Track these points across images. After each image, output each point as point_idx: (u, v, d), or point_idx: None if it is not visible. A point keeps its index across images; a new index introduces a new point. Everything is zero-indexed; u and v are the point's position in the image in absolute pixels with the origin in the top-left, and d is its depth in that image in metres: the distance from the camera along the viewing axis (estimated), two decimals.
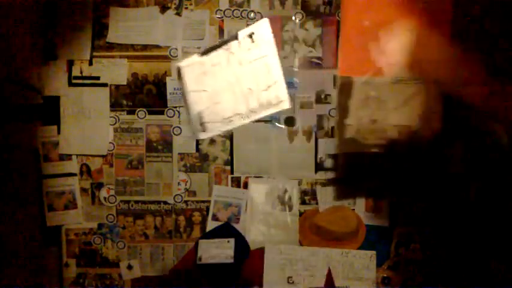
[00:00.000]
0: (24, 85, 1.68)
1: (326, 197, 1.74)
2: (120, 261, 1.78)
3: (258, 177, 1.76)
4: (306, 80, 1.73)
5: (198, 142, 1.75)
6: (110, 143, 1.76)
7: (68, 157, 1.76)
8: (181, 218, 1.78)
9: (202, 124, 1.60)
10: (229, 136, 1.74)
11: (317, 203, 1.75)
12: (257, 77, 1.61)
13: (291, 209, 1.75)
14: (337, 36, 1.72)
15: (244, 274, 1.68)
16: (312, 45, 1.72)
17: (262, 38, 1.60)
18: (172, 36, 1.72)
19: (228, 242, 1.70)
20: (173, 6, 1.72)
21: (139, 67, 1.74)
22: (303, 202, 1.76)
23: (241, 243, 1.71)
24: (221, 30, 1.72)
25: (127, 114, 1.76)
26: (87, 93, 1.74)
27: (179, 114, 1.74)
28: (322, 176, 1.75)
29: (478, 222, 1.66)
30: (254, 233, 1.75)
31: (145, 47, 1.73)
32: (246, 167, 1.76)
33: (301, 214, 1.75)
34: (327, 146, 1.74)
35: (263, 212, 1.75)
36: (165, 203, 1.78)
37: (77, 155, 1.76)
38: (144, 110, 1.75)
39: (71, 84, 1.74)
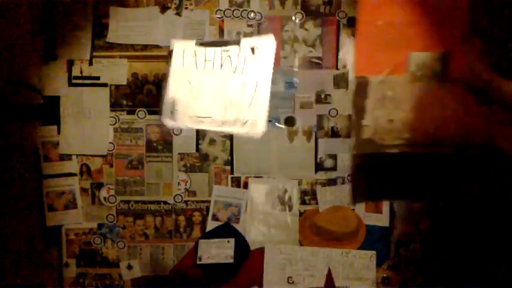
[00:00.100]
0: (24, 85, 1.68)
1: (326, 197, 1.74)
2: (120, 261, 1.79)
3: (258, 177, 1.76)
4: (306, 80, 1.73)
5: (198, 142, 1.75)
6: (110, 143, 1.76)
7: (68, 157, 1.76)
8: (181, 218, 1.78)
9: (172, 112, 1.60)
10: (229, 136, 1.74)
11: (317, 203, 1.75)
12: (244, 92, 1.62)
13: (291, 209, 1.75)
14: (337, 36, 1.72)
15: (244, 274, 1.68)
16: (312, 45, 1.72)
17: (263, 55, 1.60)
18: (172, 36, 1.72)
19: (228, 242, 1.70)
20: (173, 6, 1.72)
21: (139, 67, 1.74)
22: (303, 202, 1.76)
23: (241, 243, 1.71)
24: (221, 30, 1.72)
25: (127, 114, 1.76)
26: (87, 93, 1.74)
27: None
28: (322, 176, 1.75)
29: (478, 222, 1.66)
30: (254, 233, 1.75)
31: (145, 47, 1.73)
32: (246, 167, 1.76)
33: (301, 214, 1.75)
34: (327, 146, 1.74)
35: (263, 212, 1.75)
36: (165, 203, 1.78)
37: (77, 155, 1.77)
38: (144, 110, 1.75)
39: (71, 84, 1.75)
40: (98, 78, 1.74)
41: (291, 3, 1.72)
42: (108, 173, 1.77)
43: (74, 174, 1.77)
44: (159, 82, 1.73)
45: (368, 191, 1.73)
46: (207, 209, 1.77)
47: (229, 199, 1.76)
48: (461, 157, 1.60)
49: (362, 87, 1.60)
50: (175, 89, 1.62)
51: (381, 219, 1.73)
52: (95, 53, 1.74)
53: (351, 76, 1.72)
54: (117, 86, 1.75)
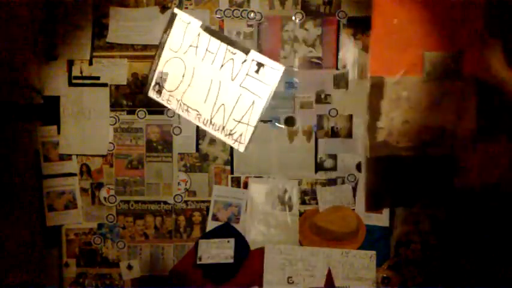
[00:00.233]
0: (24, 85, 1.68)
1: (326, 197, 1.74)
2: (120, 261, 1.79)
3: (258, 177, 1.76)
4: (306, 80, 1.73)
5: (198, 142, 1.75)
6: (110, 143, 1.76)
7: (68, 157, 1.76)
8: (181, 218, 1.78)
9: (159, 85, 1.57)
10: None
11: (317, 203, 1.75)
12: (238, 104, 1.61)
13: (291, 209, 1.75)
14: (337, 36, 1.72)
15: (244, 274, 1.68)
16: (312, 45, 1.72)
17: (268, 77, 1.59)
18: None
19: (228, 242, 1.70)
20: (173, 6, 1.72)
21: (139, 67, 1.74)
22: (303, 202, 1.76)
23: (241, 243, 1.71)
24: (221, 30, 1.72)
25: (127, 114, 1.76)
26: (87, 93, 1.74)
27: (179, 114, 1.74)
28: (322, 176, 1.75)
29: (478, 222, 1.66)
30: (254, 233, 1.75)
31: (145, 47, 1.73)
32: (246, 167, 1.76)
33: (301, 214, 1.75)
34: (327, 146, 1.74)
35: (263, 212, 1.75)
36: (165, 203, 1.78)
37: (77, 155, 1.77)
38: (144, 110, 1.75)
39: (71, 84, 1.75)
40: (98, 78, 1.74)
41: (291, 3, 1.72)
42: (108, 173, 1.77)
43: (74, 174, 1.77)
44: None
45: (383, 197, 1.71)
46: (207, 209, 1.77)
47: (229, 199, 1.76)
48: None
49: (377, 87, 1.58)
50: (167, 63, 1.58)
51: (381, 219, 1.73)
52: (95, 53, 1.74)
53: (351, 76, 1.72)
54: (117, 86, 1.75)
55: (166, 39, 1.58)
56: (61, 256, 1.79)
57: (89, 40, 1.73)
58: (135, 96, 1.75)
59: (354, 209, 1.74)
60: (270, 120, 1.72)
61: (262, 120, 1.68)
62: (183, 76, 1.58)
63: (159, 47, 1.64)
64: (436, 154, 1.59)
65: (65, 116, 1.75)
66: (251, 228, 1.75)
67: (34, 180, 1.74)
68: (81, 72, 1.74)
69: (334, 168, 1.75)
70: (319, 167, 1.75)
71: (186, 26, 1.60)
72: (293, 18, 1.72)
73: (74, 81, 1.74)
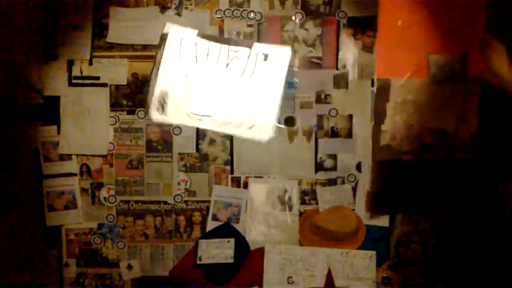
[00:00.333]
0: (24, 85, 1.68)
1: (326, 197, 1.74)
2: (120, 261, 1.78)
3: (258, 177, 1.76)
4: (306, 80, 1.72)
5: (198, 142, 1.75)
6: (110, 143, 1.76)
7: (68, 157, 1.76)
8: (181, 218, 1.78)
9: (163, 105, 1.56)
10: (230, 136, 1.74)
11: (317, 203, 1.75)
12: (253, 96, 1.59)
13: (291, 209, 1.75)
14: (337, 36, 1.72)
15: (244, 274, 1.68)
16: (312, 45, 1.72)
17: (277, 63, 1.57)
18: None
19: (228, 242, 1.70)
20: (173, 6, 1.72)
21: (139, 67, 1.74)
22: (303, 202, 1.76)
23: (241, 243, 1.71)
24: (221, 30, 1.72)
25: (127, 114, 1.76)
26: (87, 93, 1.74)
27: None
28: (322, 176, 1.75)
29: (478, 222, 1.66)
30: (254, 233, 1.75)
31: (145, 47, 1.73)
32: (246, 167, 1.76)
33: (301, 214, 1.75)
34: (327, 146, 1.74)
35: (263, 212, 1.75)
36: (165, 203, 1.78)
37: (77, 155, 1.77)
38: (144, 110, 1.75)
39: (71, 84, 1.75)
40: (98, 78, 1.74)
41: (291, 3, 1.72)
42: (108, 173, 1.77)
43: (74, 174, 1.77)
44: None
45: (386, 202, 1.71)
46: (207, 209, 1.77)
47: (229, 199, 1.76)
48: (484, 161, 1.57)
49: (383, 90, 1.56)
50: (166, 80, 1.56)
51: (381, 219, 1.73)
52: (95, 53, 1.74)
53: (351, 76, 1.72)
54: (117, 86, 1.75)
55: (160, 60, 1.58)
56: (61, 256, 1.79)
57: (89, 40, 1.73)
58: (135, 96, 1.75)
59: (354, 209, 1.74)
60: None
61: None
62: (187, 88, 1.57)
63: (153, 67, 1.63)
64: (439, 157, 1.58)
65: (65, 116, 1.75)
66: (251, 228, 1.75)
67: (34, 180, 1.74)
68: (81, 72, 1.74)
69: (334, 168, 1.75)
70: (319, 167, 1.75)
71: (181, 39, 1.59)
72: (293, 18, 1.72)
73: (74, 81, 1.74)
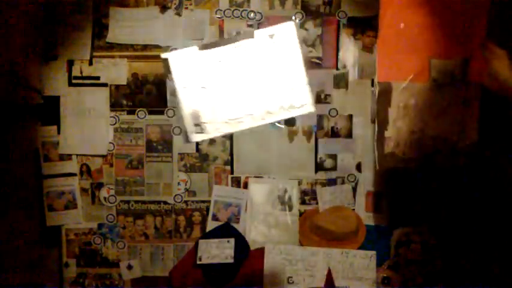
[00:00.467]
0: (24, 85, 1.68)
1: (326, 197, 1.74)
2: (120, 261, 1.78)
3: (258, 177, 1.76)
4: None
5: (198, 142, 1.75)
6: (110, 143, 1.76)
7: (68, 157, 1.76)
8: (181, 218, 1.78)
9: (198, 125, 1.57)
10: (229, 136, 1.74)
11: (317, 203, 1.75)
12: (277, 78, 1.58)
13: (291, 209, 1.75)
14: (337, 36, 1.72)
15: (244, 274, 1.68)
16: (312, 45, 1.72)
17: (285, 39, 1.56)
18: (173, 36, 1.72)
19: (228, 242, 1.70)
20: (173, 6, 1.72)
21: (139, 67, 1.74)
22: (303, 202, 1.76)
23: (241, 243, 1.71)
24: (221, 30, 1.72)
25: (127, 114, 1.76)
26: (87, 93, 1.74)
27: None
28: (322, 176, 1.75)
29: (478, 221, 1.66)
30: (254, 233, 1.75)
31: (145, 47, 1.73)
32: (246, 167, 1.76)
33: (301, 214, 1.75)
34: (327, 146, 1.74)
35: (263, 212, 1.75)
36: (165, 203, 1.78)
37: (77, 155, 1.77)
38: (144, 110, 1.75)
39: (71, 84, 1.75)
40: (98, 78, 1.74)
41: (291, 3, 1.72)
42: (108, 173, 1.77)
43: (74, 174, 1.77)
44: (159, 82, 1.73)
45: (392, 213, 1.73)
46: (207, 209, 1.77)
47: (229, 199, 1.76)
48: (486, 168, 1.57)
49: (385, 94, 1.55)
50: (190, 101, 1.58)
51: (381, 219, 1.73)
52: (95, 53, 1.74)
53: (351, 76, 1.72)
54: (117, 86, 1.75)
55: (173, 84, 1.59)
56: (61, 256, 1.79)
57: (89, 40, 1.73)
58: (135, 96, 1.75)
59: (354, 209, 1.74)
60: None
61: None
62: (212, 99, 1.58)
63: (170, 94, 1.67)
64: (442, 165, 1.58)
65: (65, 116, 1.75)
66: (251, 228, 1.75)
67: (34, 180, 1.74)
68: (81, 72, 1.74)
69: (334, 168, 1.75)
70: (319, 167, 1.75)
71: (185, 59, 1.60)
72: (293, 18, 1.71)
73: (74, 81, 1.74)
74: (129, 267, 1.79)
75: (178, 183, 1.77)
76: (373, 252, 1.68)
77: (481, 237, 1.65)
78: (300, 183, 1.75)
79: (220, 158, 1.76)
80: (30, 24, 1.69)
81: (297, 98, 1.59)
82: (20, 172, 1.66)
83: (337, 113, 1.73)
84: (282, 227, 1.74)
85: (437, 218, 1.70)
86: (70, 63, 1.74)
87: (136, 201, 1.78)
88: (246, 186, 1.76)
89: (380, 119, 1.56)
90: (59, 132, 1.75)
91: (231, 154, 1.75)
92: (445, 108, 1.55)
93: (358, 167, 1.74)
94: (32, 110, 1.72)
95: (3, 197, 1.54)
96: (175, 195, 1.77)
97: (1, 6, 1.52)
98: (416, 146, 1.56)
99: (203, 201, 1.77)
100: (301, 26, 1.72)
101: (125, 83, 1.74)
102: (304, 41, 1.72)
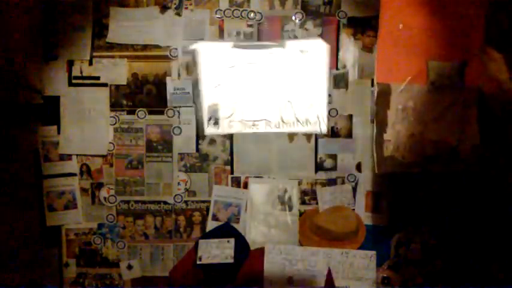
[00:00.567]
0: (24, 85, 1.68)
1: (326, 197, 1.74)
2: (120, 261, 1.78)
3: (258, 177, 1.76)
4: None
5: (198, 142, 1.75)
6: (110, 143, 1.76)
7: (68, 157, 1.76)
8: (181, 218, 1.78)
9: (214, 117, 1.59)
10: (229, 136, 1.74)
11: (317, 203, 1.75)
12: (300, 91, 1.60)
13: (291, 209, 1.75)
14: (337, 36, 1.72)
15: (244, 274, 1.68)
16: None
17: (316, 56, 1.59)
18: (173, 36, 1.72)
19: (228, 242, 1.70)
20: (173, 6, 1.72)
21: (139, 67, 1.74)
22: (303, 202, 1.76)
23: (241, 243, 1.71)
24: (221, 30, 1.72)
25: (127, 114, 1.76)
26: (87, 93, 1.74)
27: (179, 114, 1.74)
28: (322, 176, 1.75)
29: (478, 221, 1.66)
30: (254, 233, 1.75)
31: (145, 47, 1.74)
32: (246, 167, 1.76)
33: (301, 214, 1.75)
34: (327, 146, 1.74)
35: (263, 212, 1.75)
36: (165, 203, 1.78)
37: (77, 155, 1.77)
38: (144, 110, 1.75)
39: (71, 84, 1.75)
40: (98, 78, 1.74)
41: (291, 3, 1.72)
42: (108, 173, 1.77)
43: (74, 174, 1.77)
44: (159, 82, 1.74)
45: (392, 213, 1.73)
46: (207, 209, 1.77)
47: (229, 199, 1.76)
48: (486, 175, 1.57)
49: (384, 95, 1.53)
50: (212, 95, 1.60)
51: (381, 219, 1.73)
52: (95, 53, 1.74)
53: (351, 77, 1.72)
54: (117, 86, 1.75)
55: (200, 76, 1.60)
56: (61, 256, 1.79)
57: (89, 40, 1.73)
58: (135, 96, 1.75)
59: (354, 209, 1.74)
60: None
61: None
62: (234, 97, 1.60)
63: (193, 87, 1.68)
64: (444, 170, 1.58)
65: (65, 116, 1.75)
66: (251, 228, 1.75)
67: (34, 180, 1.74)
68: (81, 72, 1.74)
69: (334, 168, 1.75)
70: (319, 167, 1.75)
71: (215, 55, 1.61)
72: (293, 18, 1.72)
73: (74, 81, 1.75)
74: (129, 267, 1.79)
75: (178, 183, 1.77)
76: (373, 252, 1.68)
77: (481, 238, 1.65)
78: (300, 183, 1.75)
79: (220, 158, 1.76)
80: (30, 24, 1.69)
81: (313, 115, 1.61)
82: (20, 172, 1.66)
83: (337, 113, 1.73)
84: (282, 227, 1.74)
85: (438, 219, 1.70)
86: (70, 63, 1.74)
87: (136, 201, 1.78)
88: (246, 186, 1.76)
89: (379, 120, 1.55)
90: (59, 132, 1.75)
91: (231, 154, 1.75)
92: (444, 111, 1.54)
93: (358, 167, 1.74)
94: (32, 110, 1.72)
95: (3, 197, 1.54)
96: (175, 195, 1.77)
97: (1, 6, 1.52)
98: (416, 149, 1.55)
99: (203, 201, 1.77)
100: (301, 26, 1.72)
101: (124, 83, 1.74)
102: None
